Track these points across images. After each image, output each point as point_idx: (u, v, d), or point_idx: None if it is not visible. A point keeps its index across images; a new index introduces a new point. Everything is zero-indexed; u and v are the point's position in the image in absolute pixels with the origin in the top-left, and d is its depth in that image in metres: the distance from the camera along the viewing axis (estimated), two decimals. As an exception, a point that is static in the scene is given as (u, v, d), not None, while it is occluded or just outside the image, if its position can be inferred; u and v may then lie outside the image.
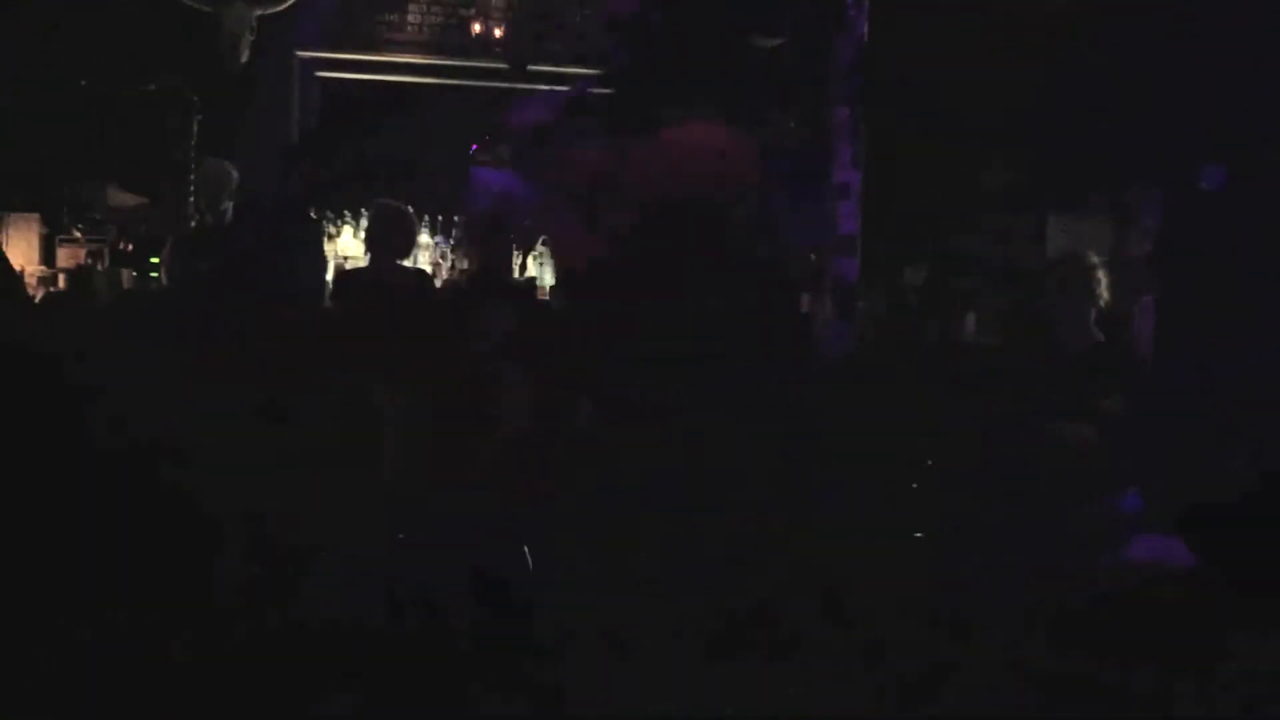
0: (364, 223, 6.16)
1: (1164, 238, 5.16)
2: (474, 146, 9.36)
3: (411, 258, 6.53)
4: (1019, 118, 7.11)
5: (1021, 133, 7.14)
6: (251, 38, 6.98)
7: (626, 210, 2.23)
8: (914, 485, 4.55)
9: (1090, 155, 6.66)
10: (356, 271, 5.79)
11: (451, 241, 6.74)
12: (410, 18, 7.41)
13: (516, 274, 6.33)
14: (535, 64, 7.18)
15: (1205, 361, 4.64)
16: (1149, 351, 5.19)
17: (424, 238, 6.83)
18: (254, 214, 4.80)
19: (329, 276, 5.75)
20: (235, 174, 5.73)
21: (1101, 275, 5.39)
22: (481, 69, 7.35)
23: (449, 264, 6.71)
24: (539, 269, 6.73)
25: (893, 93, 6.26)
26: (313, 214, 5.91)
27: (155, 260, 5.83)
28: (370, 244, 5.32)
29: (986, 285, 7.08)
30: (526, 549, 3.66)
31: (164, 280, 5.52)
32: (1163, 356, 5.08)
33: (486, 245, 4.99)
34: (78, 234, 6.19)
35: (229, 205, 5.65)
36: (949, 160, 7.06)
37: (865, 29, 5.61)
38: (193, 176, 6.34)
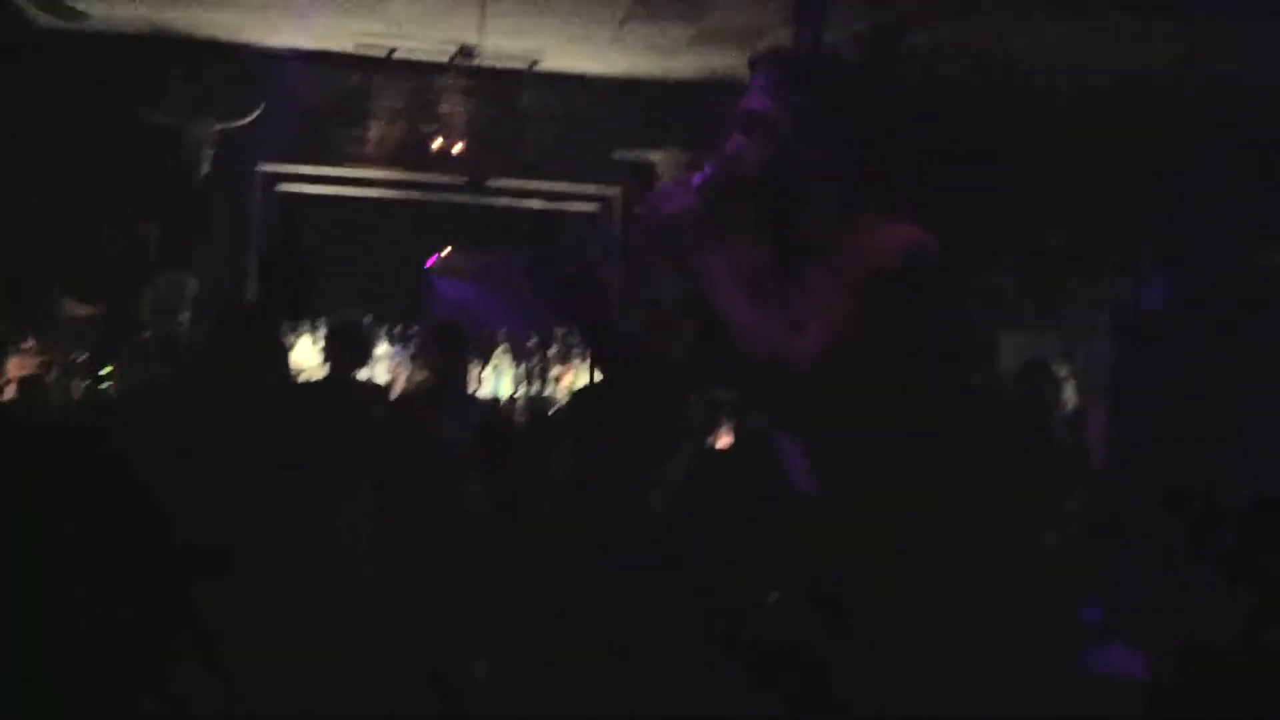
0: (321, 334, 6.15)
1: (1113, 352, 5.26)
2: (433, 258, 9.44)
3: (369, 369, 6.53)
4: (969, 235, 7.28)
5: (972, 252, 7.32)
6: (213, 151, 7.03)
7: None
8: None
9: (1043, 266, 6.83)
10: (313, 384, 5.76)
11: (410, 352, 6.74)
12: (371, 133, 7.51)
13: (474, 386, 6.32)
14: (494, 179, 7.28)
15: (1160, 470, 4.70)
16: (1102, 460, 5.26)
17: (382, 349, 6.82)
18: (224, 326, 4.77)
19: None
20: (194, 285, 5.71)
21: (1064, 384, 5.50)
22: (441, 183, 7.44)
23: (407, 375, 6.70)
24: (496, 379, 6.73)
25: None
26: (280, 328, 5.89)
27: (108, 371, 5.76)
28: (327, 356, 5.31)
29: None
30: (481, 661, 3.59)
31: (116, 391, 5.45)
32: (1116, 464, 5.15)
33: (444, 356, 4.99)
34: (28, 344, 6.12)
35: (185, 316, 5.63)
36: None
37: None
38: (149, 288, 6.31)
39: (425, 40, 6.92)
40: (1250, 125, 6.85)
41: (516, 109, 7.51)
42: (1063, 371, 6.12)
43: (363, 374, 6.50)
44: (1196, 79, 6.94)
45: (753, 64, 2.29)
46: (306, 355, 6.48)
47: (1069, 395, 6.33)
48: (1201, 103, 7.00)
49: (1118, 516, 4.86)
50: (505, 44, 6.87)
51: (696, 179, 2.19)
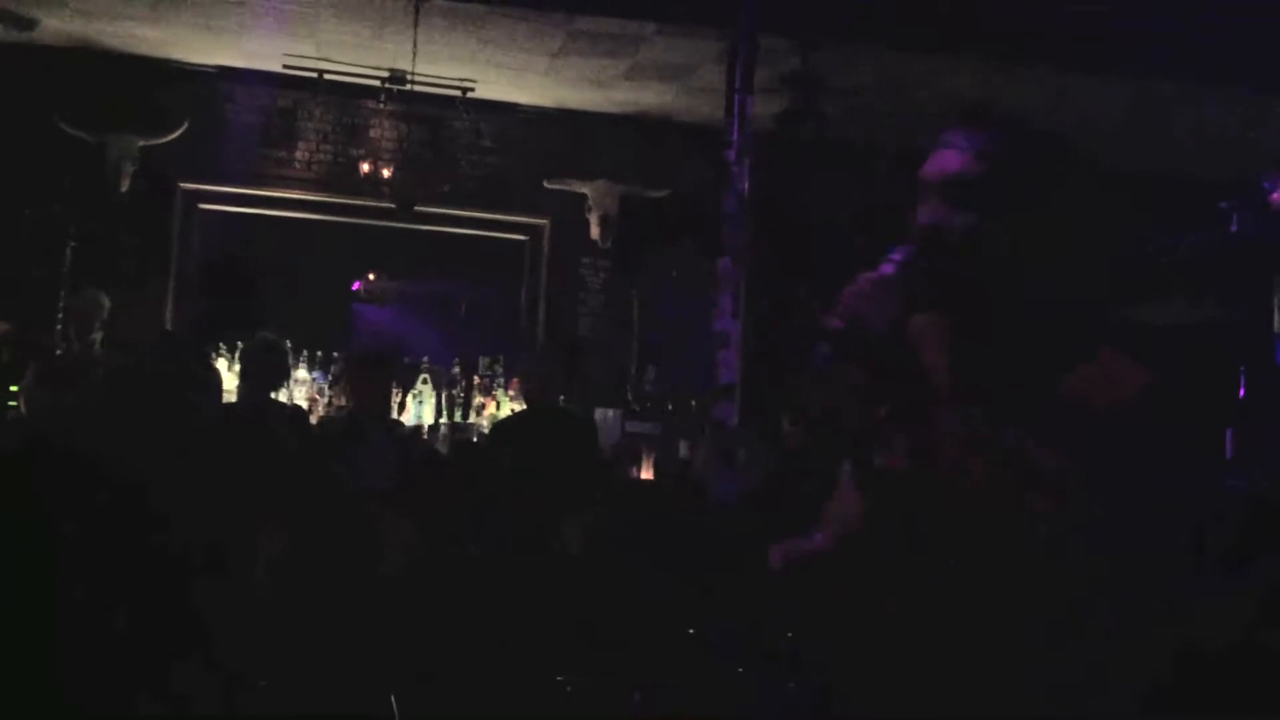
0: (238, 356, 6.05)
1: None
2: (357, 284, 9.34)
3: (287, 392, 6.43)
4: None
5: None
6: (134, 168, 6.91)
7: None
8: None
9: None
10: (230, 406, 5.65)
11: (330, 378, 6.65)
12: (298, 154, 7.43)
13: (396, 413, 6.26)
14: (423, 205, 7.24)
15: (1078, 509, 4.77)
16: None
17: (302, 373, 6.73)
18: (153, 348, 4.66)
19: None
20: (106, 303, 5.59)
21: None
22: (368, 208, 7.38)
23: (326, 400, 6.61)
24: (417, 407, 6.67)
25: (775, 244, 6.49)
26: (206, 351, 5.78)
27: (14, 389, 5.59)
28: (243, 378, 5.21)
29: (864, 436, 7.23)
30: (394, 699, 3.53)
31: (23, 410, 5.30)
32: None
33: (365, 382, 4.92)
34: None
35: (99, 335, 5.50)
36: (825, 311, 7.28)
37: (746, 183, 5.81)
38: (63, 306, 6.16)
39: (356, 64, 6.88)
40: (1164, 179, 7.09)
41: (448, 136, 7.50)
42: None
43: (282, 396, 6.43)
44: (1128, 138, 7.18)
45: (960, 123, 2.23)
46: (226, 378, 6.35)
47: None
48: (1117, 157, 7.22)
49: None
50: (438, 71, 6.86)
51: (889, 268, 2.08)
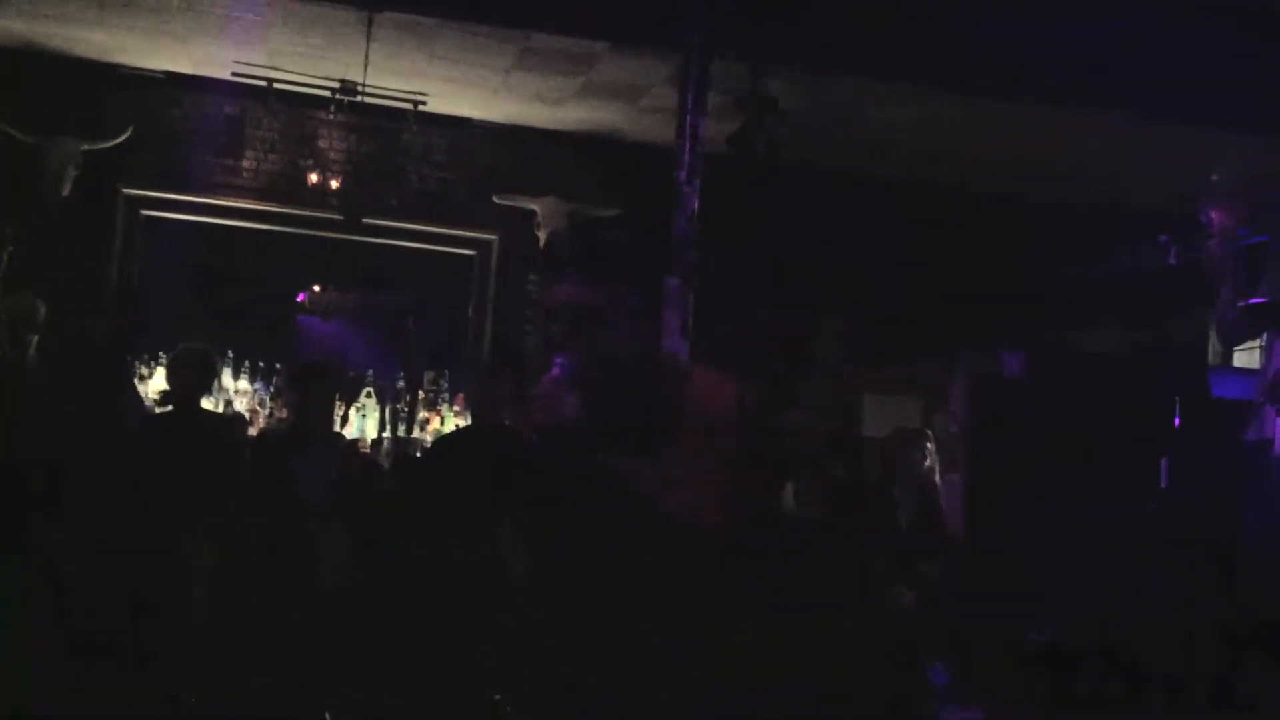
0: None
1: (970, 419, 5.43)
2: (302, 295, 9.25)
3: (221, 402, 6.34)
4: (845, 294, 7.50)
5: (844, 312, 7.53)
6: (76, 172, 6.80)
7: None
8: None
9: (905, 338, 7.05)
10: (161, 416, 5.56)
11: (272, 389, 6.57)
12: (245, 163, 7.35)
13: (339, 426, 6.19)
14: (371, 217, 7.19)
15: (1016, 533, 4.85)
16: (958, 523, 5.41)
17: (244, 384, 6.65)
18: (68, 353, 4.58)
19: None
20: (42, 309, 5.47)
21: (928, 448, 5.66)
22: (315, 219, 7.32)
23: (268, 411, 6.53)
24: (361, 421, 6.61)
25: (724, 265, 6.51)
26: (126, 357, 5.68)
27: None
28: (171, 386, 5.12)
29: (806, 457, 7.28)
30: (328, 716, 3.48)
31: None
32: (972, 528, 5.30)
33: (308, 395, 4.87)
34: None
35: (33, 340, 5.39)
36: (774, 332, 7.34)
37: (696, 203, 5.83)
38: (-1, 309, 6.02)
39: (306, 74, 6.83)
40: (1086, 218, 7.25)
41: (398, 149, 7.46)
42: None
43: (221, 408, 6.34)
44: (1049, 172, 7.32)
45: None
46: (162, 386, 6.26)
47: (929, 460, 6.50)
48: (1048, 193, 7.39)
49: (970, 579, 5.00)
50: (389, 83, 6.83)
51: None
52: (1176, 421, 4.81)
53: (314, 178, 7.05)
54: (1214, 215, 4.15)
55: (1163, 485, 4.80)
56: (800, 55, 6.11)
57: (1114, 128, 6.72)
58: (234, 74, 6.85)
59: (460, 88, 6.99)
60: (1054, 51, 5.94)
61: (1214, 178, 4.26)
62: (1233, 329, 4.34)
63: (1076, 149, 7.04)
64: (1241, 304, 4.09)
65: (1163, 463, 4.74)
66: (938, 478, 5.52)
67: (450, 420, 6.67)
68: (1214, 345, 6.18)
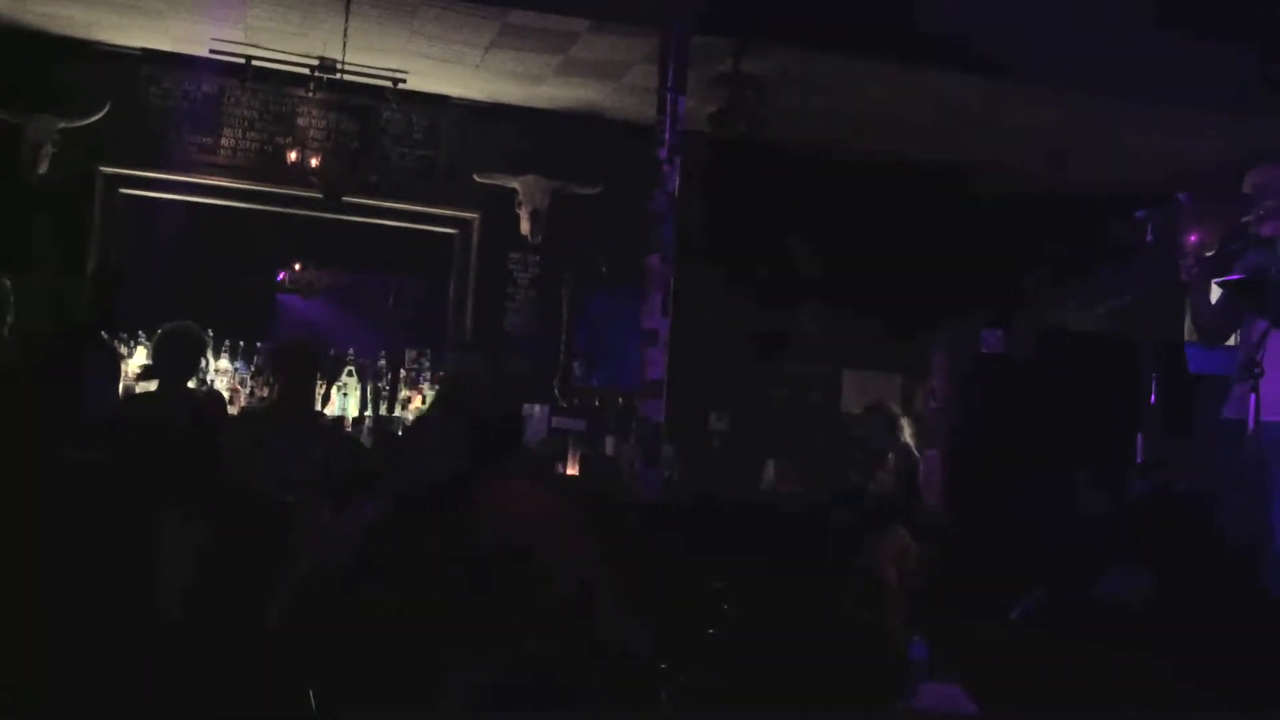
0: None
1: (949, 395, 5.46)
2: (282, 274, 9.22)
3: (205, 381, 6.32)
4: (822, 272, 7.52)
5: (824, 289, 7.55)
6: (53, 150, 6.75)
7: None
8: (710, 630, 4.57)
9: (884, 314, 7.08)
10: (144, 395, 5.54)
11: (253, 368, 6.55)
12: (224, 141, 7.31)
13: (320, 405, 6.18)
14: (351, 196, 7.16)
15: (994, 510, 4.89)
16: (936, 500, 5.44)
17: (224, 363, 6.62)
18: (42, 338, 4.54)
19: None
20: (8, 288, 5.43)
21: (905, 424, 5.69)
22: (295, 197, 7.28)
23: (249, 391, 6.51)
24: (342, 400, 6.60)
25: (704, 243, 6.52)
26: (106, 337, 5.65)
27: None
28: (157, 366, 5.10)
29: (788, 434, 7.33)
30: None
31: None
32: (951, 503, 5.33)
33: (289, 374, 4.85)
34: None
35: (9, 320, 5.35)
36: (755, 310, 7.37)
37: (677, 181, 5.82)
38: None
39: (285, 51, 6.79)
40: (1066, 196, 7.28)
41: (377, 127, 7.43)
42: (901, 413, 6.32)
43: (203, 387, 6.32)
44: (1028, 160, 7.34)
45: None
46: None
47: (907, 436, 6.54)
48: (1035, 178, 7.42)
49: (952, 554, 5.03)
50: (368, 61, 6.79)
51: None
52: (1152, 398, 4.85)
53: (293, 156, 7.02)
54: (1191, 235, 4.18)
55: (1139, 461, 4.84)
56: (781, 32, 6.10)
57: (1096, 108, 6.74)
58: (212, 51, 6.80)
59: (440, 65, 6.96)
60: (1038, 30, 5.94)
61: (1180, 197, 4.29)
62: (1212, 332, 4.37)
63: (1058, 129, 7.06)
64: (1217, 281, 4.11)
65: (1139, 440, 4.78)
66: (916, 453, 5.55)
67: (431, 399, 6.67)
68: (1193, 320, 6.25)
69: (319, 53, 6.75)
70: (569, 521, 3.09)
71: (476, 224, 7.75)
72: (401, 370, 6.87)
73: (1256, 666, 3.12)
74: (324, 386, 6.39)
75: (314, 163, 7.01)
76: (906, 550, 5.10)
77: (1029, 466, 4.81)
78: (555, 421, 6.30)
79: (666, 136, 5.83)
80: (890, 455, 6.05)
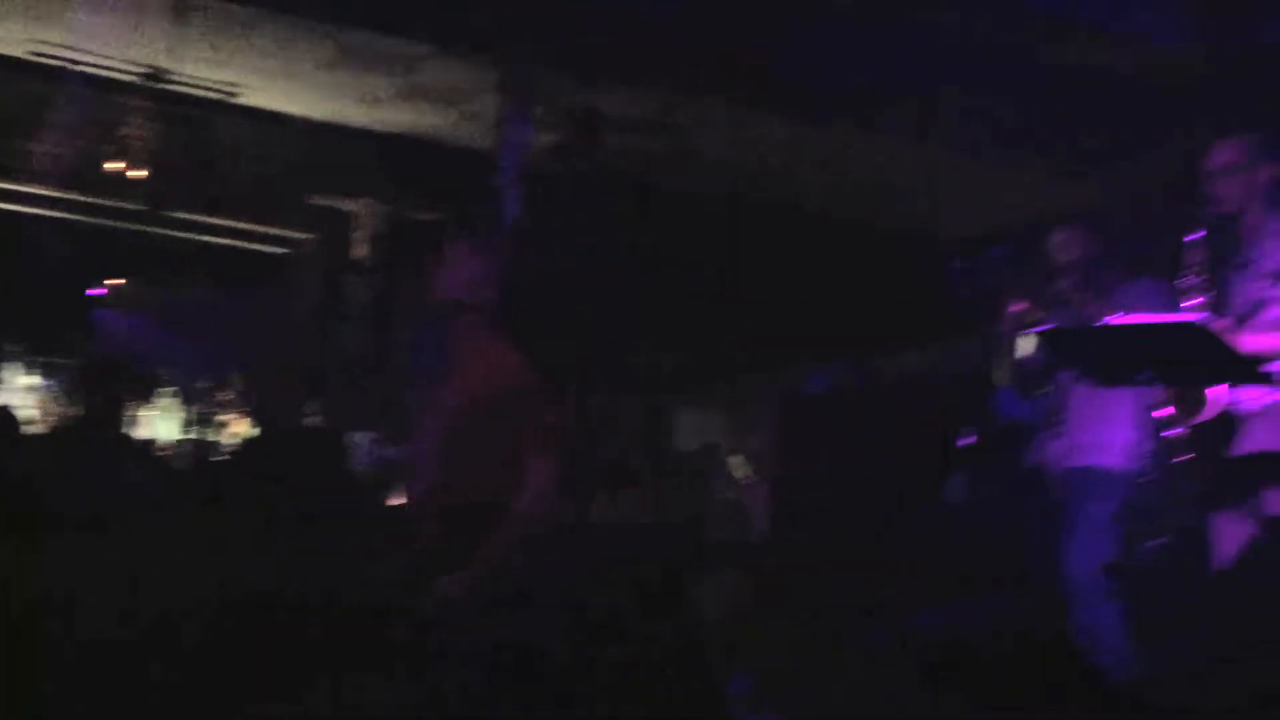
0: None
1: (778, 431, 5.57)
2: (102, 289, 8.80)
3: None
4: (653, 314, 7.59)
5: (655, 329, 7.62)
6: None
7: None
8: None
9: (717, 352, 7.18)
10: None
11: (62, 386, 6.23)
12: (43, 148, 6.95)
13: (136, 426, 5.91)
14: (177, 210, 6.90)
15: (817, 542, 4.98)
16: (763, 534, 5.54)
17: (32, 379, 6.29)
18: None
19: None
20: None
21: (734, 461, 5.77)
22: (117, 209, 6.98)
23: (57, 409, 6.19)
24: (159, 421, 6.33)
25: (542, 273, 6.50)
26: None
27: None
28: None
29: (620, 468, 7.34)
30: None
31: None
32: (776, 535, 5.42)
33: (100, 393, 4.62)
34: None
35: None
36: (590, 344, 7.38)
37: (517, 212, 5.81)
38: None
39: (111, 57, 6.50)
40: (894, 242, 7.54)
41: (208, 140, 7.18)
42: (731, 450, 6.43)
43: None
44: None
45: None
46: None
47: (737, 472, 6.64)
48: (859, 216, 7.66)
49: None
50: (203, 72, 6.57)
51: None
52: (968, 441, 5.03)
53: (115, 166, 6.72)
54: (1005, 286, 4.35)
55: (953, 502, 5.01)
56: (622, 70, 6.16)
57: (923, 157, 6.99)
58: (30, 53, 6.47)
59: (278, 81, 6.78)
60: (868, 78, 6.14)
61: (995, 249, 4.47)
62: (1023, 379, 4.56)
63: (887, 175, 7.30)
64: (1029, 331, 4.29)
65: (953, 480, 4.95)
66: (743, 489, 5.64)
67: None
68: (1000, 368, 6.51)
69: (149, 60, 6.50)
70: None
71: (311, 246, 7.56)
72: (224, 393, 6.63)
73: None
74: (135, 407, 6.11)
75: (138, 175, 6.72)
76: (734, 582, 5.16)
77: (847, 503, 4.94)
78: (384, 451, 6.17)
79: (507, 166, 5.83)
80: (721, 490, 6.13)
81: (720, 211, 7.63)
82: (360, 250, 7.34)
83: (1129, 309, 3.79)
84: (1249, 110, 5.19)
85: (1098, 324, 3.70)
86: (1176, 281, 3.72)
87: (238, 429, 6.46)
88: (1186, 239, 3.70)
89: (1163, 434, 3.52)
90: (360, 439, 6.05)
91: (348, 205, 7.34)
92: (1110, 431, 4.10)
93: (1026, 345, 4.45)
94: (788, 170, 7.35)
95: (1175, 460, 3.65)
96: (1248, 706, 3.18)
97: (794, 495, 5.50)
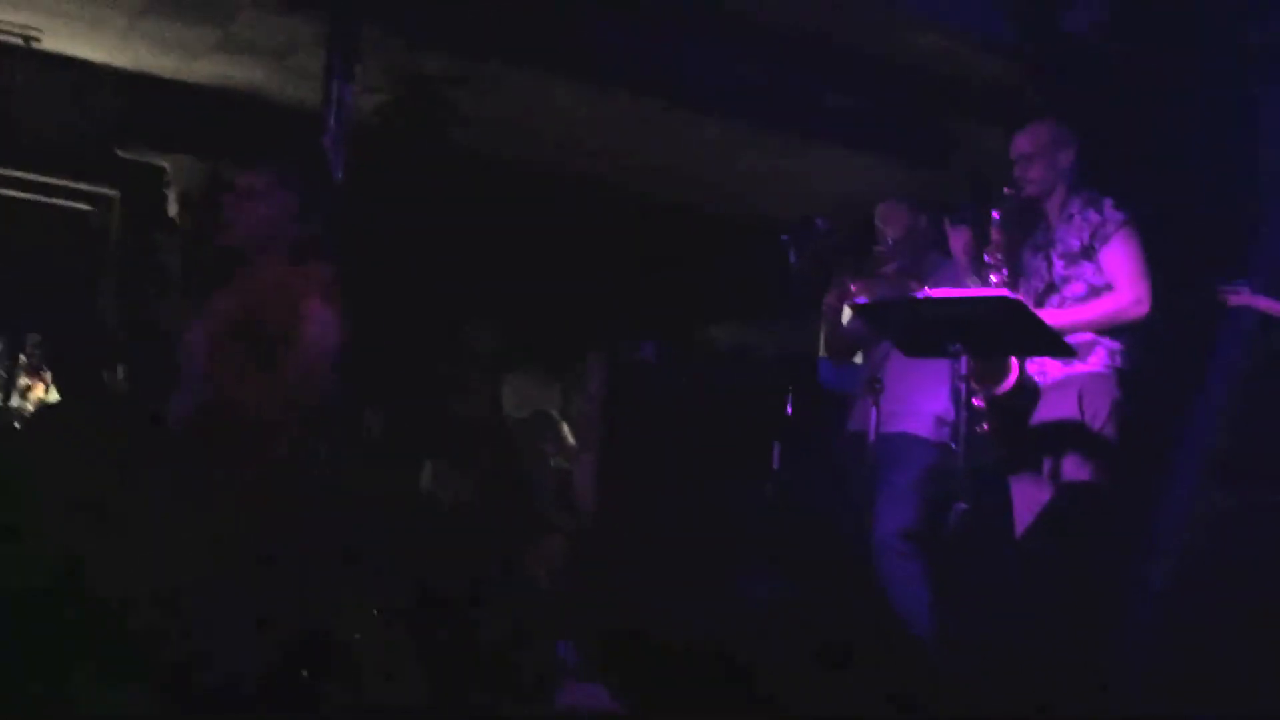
0: None
1: (605, 400, 5.61)
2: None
3: None
4: (482, 281, 7.52)
5: (482, 295, 7.55)
6: None
7: None
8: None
9: (547, 321, 7.17)
10: None
11: None
12: None
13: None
14: None
15: (641, 512, 5.05)
16: (590, 502, 5.58)
17: None
18: None
19: None
20: None
21: (564, 430, 5.77)
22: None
23: None
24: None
25: (364, 238, 6.35)
26: None
27: None
28: None
29: (447, 437, 7.26)
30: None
31: None
32: (602, 507, 5.47)
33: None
34: None
35: None
36: (412, 310, 7.26)
37: (340, 174, 5.65)
38: None
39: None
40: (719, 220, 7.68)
41: (6, 88, 6.73)
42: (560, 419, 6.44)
43: None
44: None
45: None
46: None
47: (567, 439, 6.65)
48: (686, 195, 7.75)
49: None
50: (-3, 13, 6.15)
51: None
52: (789, 410, 5.17)
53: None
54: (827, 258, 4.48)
55: (775, 469, 5.15)
56: (455, 33, 6.05)
57: (738, 137, 7.10)
58: None
59: (84, 26, 6.39)
60: (684, 59, 6.21)
61: (818, 221, 4.59)
62: (841, 351, 4.71)
63: (707, 155, 7.39)
64: (848, 304, 4.42)
65: (775, 448, 5.08)
66: (571, 458, 5.66)
67: (54, 390, 6.13)
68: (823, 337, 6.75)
69: (-64, -1, 6.05)
70: None
71: (117, 202, 7.19)
72: (22, 356, 6.26)
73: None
74: None
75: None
76: (558, 552, 5.19)
77: (674, 471, 5.02)
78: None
79: (331, 124, 5.66)
80: (548, 459, 6.13)
81: (560, 185, 7.59)
82: (172, 208, 7.02)
83: (939, 283, 3.97)
84: (1051, 98, 5.47)
85: (911, 296, 3.84)
86: (980, 258, 3.91)
87: (38, 394, 6.12)
88: (991, 219, 3.90)
89: (970, 402, 3.69)
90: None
91: (161, 161, 6.99)
92: (920, 400, 4.28)
93: (844, 316, 4.60)
94: (611, 141, 7.36)
95: (979, 428, 3.84)
96: (1039, 670, 3.38)
97: (620, 464, 5.55)
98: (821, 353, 5.80)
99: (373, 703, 3.29)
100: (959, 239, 3.95)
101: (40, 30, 6.37)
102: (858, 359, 4.74)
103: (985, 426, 3.83)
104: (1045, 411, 3.84)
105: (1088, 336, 3.76)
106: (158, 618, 2.73)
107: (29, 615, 2.56)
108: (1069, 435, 3.73)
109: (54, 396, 6.05)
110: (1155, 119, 5.12)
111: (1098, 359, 3.79)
